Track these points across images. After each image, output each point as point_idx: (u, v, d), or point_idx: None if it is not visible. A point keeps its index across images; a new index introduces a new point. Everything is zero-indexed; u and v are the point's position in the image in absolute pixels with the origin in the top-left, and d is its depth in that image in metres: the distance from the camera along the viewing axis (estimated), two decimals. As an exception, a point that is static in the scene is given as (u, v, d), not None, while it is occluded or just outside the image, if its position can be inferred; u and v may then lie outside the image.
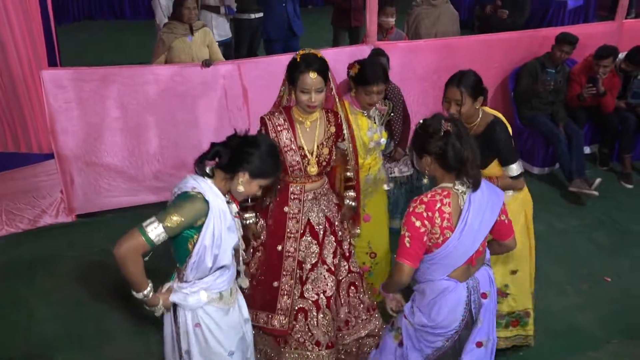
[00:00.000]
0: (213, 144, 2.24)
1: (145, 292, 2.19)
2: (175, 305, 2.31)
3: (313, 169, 2.78)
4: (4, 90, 3.98)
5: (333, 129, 2.83)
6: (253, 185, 2.26)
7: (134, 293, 2.20)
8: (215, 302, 2.31)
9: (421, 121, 2.28)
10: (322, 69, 2.64)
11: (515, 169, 2.91)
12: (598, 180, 4.82)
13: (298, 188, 2.83)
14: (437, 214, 2.17)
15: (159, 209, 4.48)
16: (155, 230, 2.08)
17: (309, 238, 2.88)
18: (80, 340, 3.36)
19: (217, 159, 2.23)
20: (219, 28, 5.85)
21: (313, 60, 2.65)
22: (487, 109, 2.98)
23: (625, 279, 3.96)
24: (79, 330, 3.42)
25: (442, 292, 2.29)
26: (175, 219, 2.09)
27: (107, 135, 4.34)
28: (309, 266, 2.87)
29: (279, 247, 2.86)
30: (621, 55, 5.27)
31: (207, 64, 4.38)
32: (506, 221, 2.39)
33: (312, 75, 2.61)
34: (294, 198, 2.84)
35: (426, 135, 2.23)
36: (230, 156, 2.20)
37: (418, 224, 2.16)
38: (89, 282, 3.82)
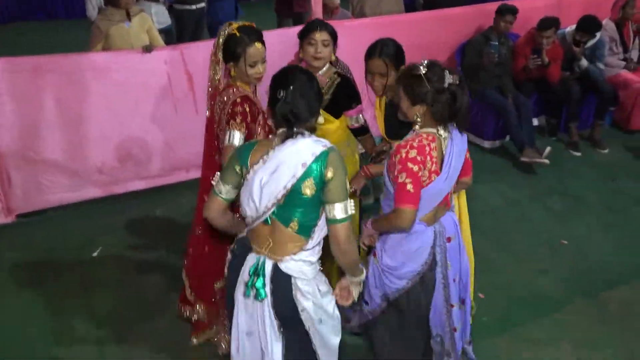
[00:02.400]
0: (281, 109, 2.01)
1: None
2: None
3: None
4: None
5: None
6: None
7: (357, 278, 2.21)
8: None
9: (423, 68, 2.17)
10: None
11: None
12: (548, 148, 4.89)
13: None
14: (427, 158, 2.17)
15: (106, 205, 4.35)
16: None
17: None
18: (29, 343, 3.13)
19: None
20: (159, 15, 5.61)
21: (254, 31, 2.56)
22: None
23: (581, 241, 4.01)
24: (26, 334, 3.19)
25: (409, 235, 2.30)
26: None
27: (44, 128, 4.09)
28: None
29: None
30: (568, 29, 5.38)
31: (148, 49, 4.19)
32: (469, 159, 2.44)
33: (259, 45, 2.53)
34: None
35: (429, 85, 2.15)
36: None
37: (415, 168, 2.14)
38: (33, 284, 3.58)
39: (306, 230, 2.08)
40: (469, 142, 5.23)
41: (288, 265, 2.08)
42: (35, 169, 4.16)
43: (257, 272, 2.09)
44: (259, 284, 2.07)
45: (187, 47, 4.48)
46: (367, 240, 2.48)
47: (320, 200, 2.03)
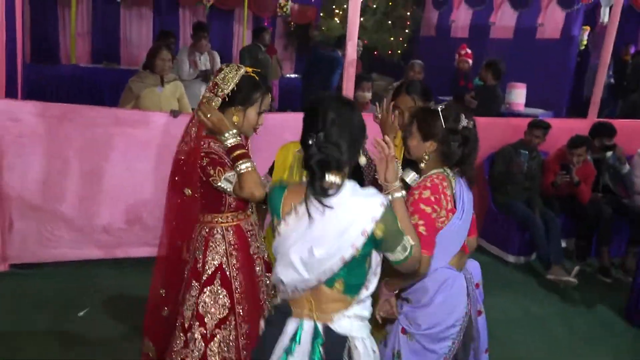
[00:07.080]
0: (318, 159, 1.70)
1: None
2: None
3: None
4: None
5: None
6: None
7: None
8: None
9: (441, 106, 2.12)
10: None
11: None
12: (577, 268, 4.57)
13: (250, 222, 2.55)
14: (442, 197, 2.05)
15: (105, 267, 4.12)
16: None
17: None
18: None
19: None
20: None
21: (265, 79, 2.43)
22: None
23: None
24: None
25: (445, 282, 2.08)
26: None
27: (58, 177, 4.02)
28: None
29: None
30: (609, 153, 5.32)
31: (175, 114, 4.20)
32: (474, 215, 2.26)
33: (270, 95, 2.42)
34: (252, 234, 2.55)
35: (444, 122, 2.08)
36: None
37: (429, 210, 2.01)
38: (18, 339, 3.31)
39: (354, 289, 1.80)
40: (492, 255, 5.06)
41: (341, 324, 1.78)
42: (40, 218, 4.04)
43: (294, 337, 1.79)
44: (317, 351, 1.75)
45: (214, 118, 4.49)
46: (383, 312, 2.18)
47: (368, 254, 1.79)
